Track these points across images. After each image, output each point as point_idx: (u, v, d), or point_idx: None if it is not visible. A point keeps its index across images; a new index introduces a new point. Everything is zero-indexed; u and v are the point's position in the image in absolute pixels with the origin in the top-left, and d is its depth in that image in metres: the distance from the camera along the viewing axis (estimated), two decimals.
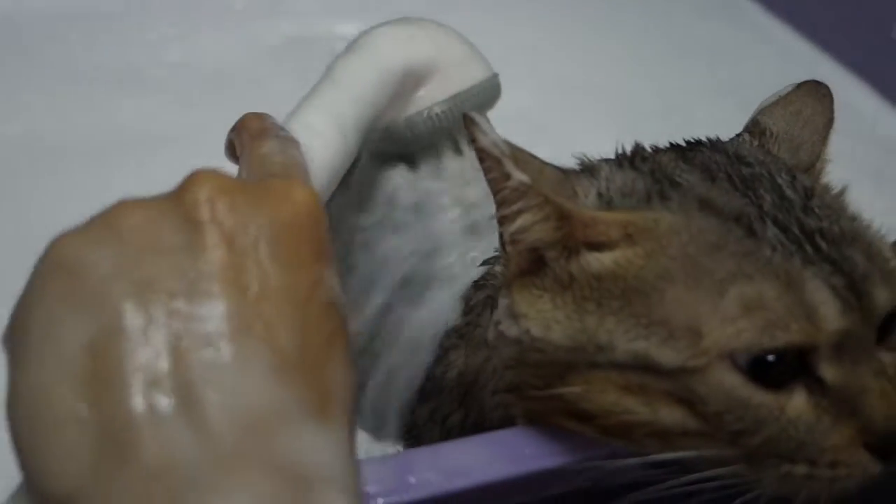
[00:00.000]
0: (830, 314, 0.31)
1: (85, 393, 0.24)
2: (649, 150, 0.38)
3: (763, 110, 0.41)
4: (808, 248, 0.32)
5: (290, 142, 0.36)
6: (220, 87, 0.81)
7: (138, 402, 0.24)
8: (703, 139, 0.39)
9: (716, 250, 0.32)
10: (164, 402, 0.24)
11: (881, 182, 0.81)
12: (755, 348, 0.30)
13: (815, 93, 0.41)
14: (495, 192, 0.34)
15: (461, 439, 0.35)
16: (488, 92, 0.49)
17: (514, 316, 0.34)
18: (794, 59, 0.98)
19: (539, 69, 0.73)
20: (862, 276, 0.32)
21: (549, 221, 0.33)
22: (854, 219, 0.36)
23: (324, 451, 0.25)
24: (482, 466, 0.34)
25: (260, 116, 0.37)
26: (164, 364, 0.24)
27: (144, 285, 0.25)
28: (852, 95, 0.94)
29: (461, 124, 0.43)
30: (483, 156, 0.33)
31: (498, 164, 0.33)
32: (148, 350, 0.24)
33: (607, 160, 0.37)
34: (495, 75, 0.50)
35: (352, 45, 0.46)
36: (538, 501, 0.35)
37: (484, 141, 0.32)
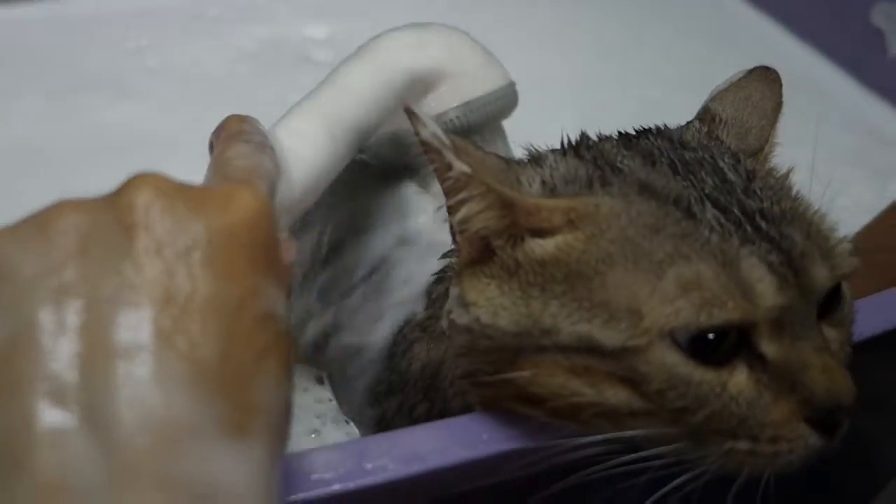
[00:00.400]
0: (767, 291, 0.31)
1: None
2: (594, 138, 0.38)
3: (714, 97, 0.42)
4: (748, 227, 0.33)
5: (260, 147, 0.35)
6: (197, 92, 0.82)
7: (38, 414, 0.23)
8: (651, 127, 0.39)
9: (654, 233, 0.32)
10: (66, 416, 0.23)
11: (861, 168, 0.82)
12: (693, 326, 0.31)
13: (765, 78, 0.42)
14: (441, 183, 0.34)
15: (417, 426, 0.36)
16: (503, 101, 0.48)
17: (464, 304, 0.35)
18: (769, 47, 0.99)
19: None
20: (800, 253, 0.32)
21: (492, 209, 0.34)
22: (796, 199, 0.36)
23: (236, 471, 0.24)
24: (437, 452, 0.34)
25: (241, 119, 0.37)
26: (72, 375, 0.23)
27: (65, 291, 0.24)
28: (830, 81, 0.94)
29: (474, 132, 0.44)
30: (426, 148, 0.34)
31: (439, 155, 0.33)
32: (57, 360, 0.23)
33: (553, 150, 0.38)
34: (511, 84, 0.49)
35: (358, 49, 0.45)
36: (492, 486, 0.36)
37: (424, 133, 0.33)
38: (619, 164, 0.35)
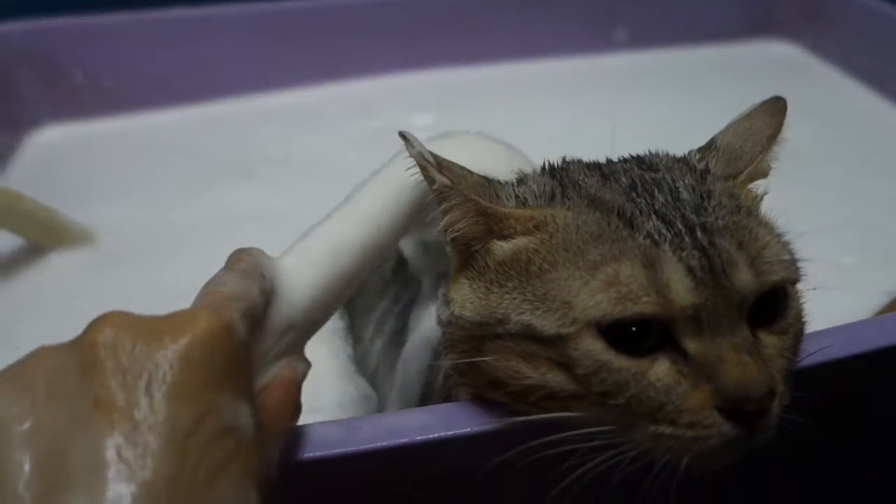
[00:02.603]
0: (681, 290, 0.35)
1: None
2: (570, 161, 0.44)
3: (726, 127, 0.45)
4: (686, 238, 0.37)
5: (247, 274, 0.37)
6: (310, 176, 0.94)
7: None
8: (636, 154, 0.44)
9: (595, 238, 0.37)
10: None
11: None
12: (609, 317, 0.35)
13: (772, 108, 0.45)
14: (432, 195, 0.40)
15: (412, 409, 0.42)
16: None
17: (447, 302, 0.41)
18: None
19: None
20: (725, 261, 0.36)
21: (470, 217, 0.39)
22: (749, 216, 0.39)
23: None
24: (420, 429, 0.40)
25: (242, 251, 0.40)
26: None
27: (34, 431, 0.28)
28: None
29: None
30: (416, 165, 0.40)
31: (425, 170, 0.40)
32: (14, 497, 0.26)
33: (535, 171, 0.44)
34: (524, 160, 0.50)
35: (372, 172, 0.47)
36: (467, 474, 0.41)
37: (412, 152, 0.40)
38: (579, 182, 0.40)
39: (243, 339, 0.33)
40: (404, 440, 0.39)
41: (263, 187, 0.94)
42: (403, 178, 0.42)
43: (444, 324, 0.41)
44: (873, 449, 0.50)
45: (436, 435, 0.39)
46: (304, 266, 0.41)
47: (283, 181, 0.95)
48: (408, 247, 0.56)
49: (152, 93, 1.06)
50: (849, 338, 0.43)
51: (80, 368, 0.29)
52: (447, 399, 0.46)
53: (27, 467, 0.27)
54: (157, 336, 0.30)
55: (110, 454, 0.27)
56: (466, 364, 0.40)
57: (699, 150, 0.45)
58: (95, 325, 0.30)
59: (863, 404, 0.47)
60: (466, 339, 0.40)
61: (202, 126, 1.05)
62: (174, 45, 1.06)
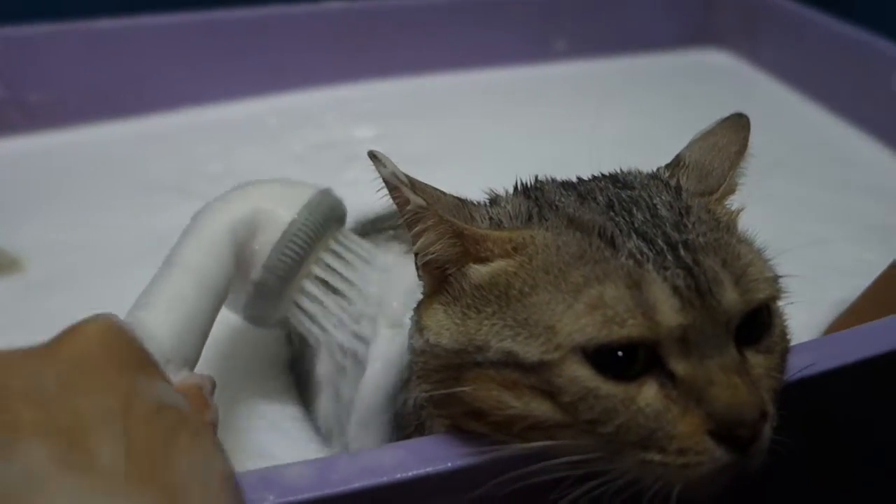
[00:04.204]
0: (667, 311, 0.34)
1: None
2: (544, 180, 0.42)
3: (689, 143, 0.45)
4: (669, 256, 0.35)
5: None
6: None
7: None
8: (606, 172, 0.43)
9: (577, 259, 0.36)
10: None
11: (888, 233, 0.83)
12: (595, 342, 0.33)
13: (735, 124, 0.45)
14: (401, 218, 0.38)
15: (386, 446, 0.40)
16: (321, 205, 0.53)
17: (420, 329, 0.39)
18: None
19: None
20: (710, 279, 0.35)
21: (445, 239, 0.38)
22: (729, 233, 0.38)
23: None
24: (395, 467, 0.38)
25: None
26: None
27: None
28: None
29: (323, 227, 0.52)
30: (387, 186, 0.38)
31: (397, 191, 0.37)
32: None
33: (508, 192, 0.42)
34: (322, 190, 0.54)
35: (184, 228, 0.51)
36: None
37: (384, 172, 0.37)
38: (556, 202, 0.39)
39: (137, 336, 0.33)
40: (382, 479, 0.37)
41: (202, 205, 0.90)
42: (210, 221, 0.50)
43: (418, 352, 0.39)
44: (857, 460, 0.50)
45: (413, 472, 0.37)
46: (157, 315, 0.43)
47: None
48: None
49: (81, 107, 1.01)
50: (829, 353, 0.43)
51: None
52: (419, 430, 0.44)
53: None
54: (51, 354, 0.30)
55: (51, 460, 0.26)
56: (443, 395, 0.38)
57: (667, 166, 0.44)
58: None
59: (843, 418, 0.47)
60: (443, 368, 0.38)
61: (135, 141, 1.00)
62: (103, 57, 1.01)
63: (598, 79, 1.20)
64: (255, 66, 1.06)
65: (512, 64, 1.19)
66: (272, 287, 0.52)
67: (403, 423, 0.48)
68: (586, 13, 1.22)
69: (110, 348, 0.31)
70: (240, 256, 0.50)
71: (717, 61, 1.28)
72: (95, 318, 0.32)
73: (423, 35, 1.14)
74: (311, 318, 0.54)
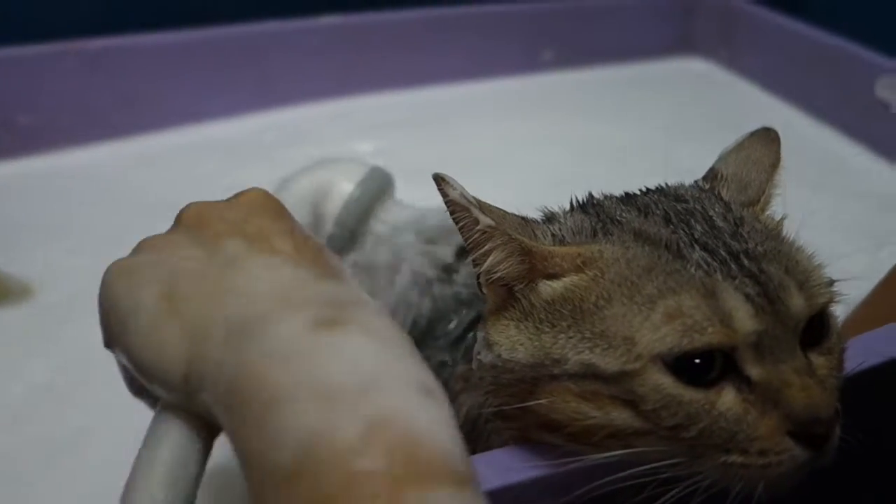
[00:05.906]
0: (743, 317, 0.35)
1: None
2: (598, 197, 0.44)
3: (721, 157, 0.46)
4: (733, 265, 0.37)
5: None
6: None
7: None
8: (653, 186, 0.44)
9: (648, 272, 0.37)
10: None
11: (873, 234, 0.85)
12: (676, 350, 0.35)
13: (765, 138, 0.46)
14: (467, 239, 0.39)
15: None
16: (375, 180, 0.63)
17: (489, 345, 0.40)
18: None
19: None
20: (777, 285, 0.36)
21: (514, 257, 0.39)
22: (781, 240, 0.40)
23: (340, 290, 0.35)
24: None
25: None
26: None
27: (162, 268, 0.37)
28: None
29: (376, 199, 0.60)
30: (454, 207, 0.38)
31: (466, 212, 0.38)
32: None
33: (564, 209, 0.43)
34: (374, 168, 0.63)
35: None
36: None
37: (453, 194, 0.38)
38: (618, 217, 0.40)
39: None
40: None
41: None
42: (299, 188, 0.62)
43: (488, 367, 0.40)
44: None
45: (492, 485, 0.38)
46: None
47: None
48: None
49: (76, 128, 1.00)
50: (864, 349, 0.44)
51: (189, 228, 0.37)
52: (473, 443, 0.44)
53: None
54: (230, 201, 0.39)
55: (246, 253, 0.36)
56: (516, 408, 0.39)
57: (704, 179, 0.45)
58: (180, 212, 0.39)
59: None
60: (517, 381, 0.39)
61: (135, 162, 1.00)
62: (97, 77, 1.00)
63: (584, 88, 1.23)
64: (251, 83, 1.07)
65: (502, 75, 1.22)
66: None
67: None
68: (572, 25, 1.25)
69: (269, 200, 0.39)
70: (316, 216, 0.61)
71: (697, 69, 1.31)
72: (254, 188, 0.40)
73: (414, 49, 1.16)
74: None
